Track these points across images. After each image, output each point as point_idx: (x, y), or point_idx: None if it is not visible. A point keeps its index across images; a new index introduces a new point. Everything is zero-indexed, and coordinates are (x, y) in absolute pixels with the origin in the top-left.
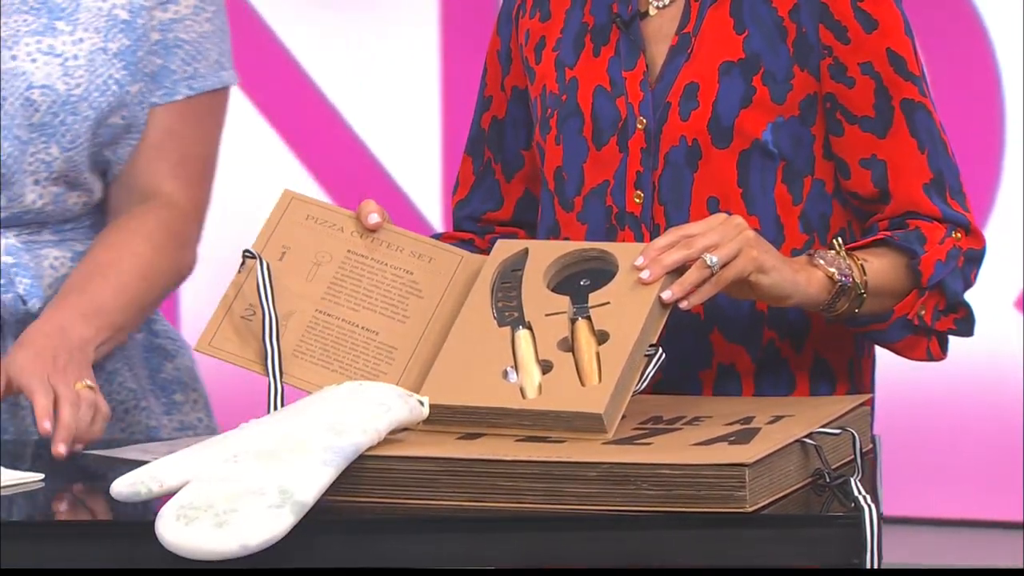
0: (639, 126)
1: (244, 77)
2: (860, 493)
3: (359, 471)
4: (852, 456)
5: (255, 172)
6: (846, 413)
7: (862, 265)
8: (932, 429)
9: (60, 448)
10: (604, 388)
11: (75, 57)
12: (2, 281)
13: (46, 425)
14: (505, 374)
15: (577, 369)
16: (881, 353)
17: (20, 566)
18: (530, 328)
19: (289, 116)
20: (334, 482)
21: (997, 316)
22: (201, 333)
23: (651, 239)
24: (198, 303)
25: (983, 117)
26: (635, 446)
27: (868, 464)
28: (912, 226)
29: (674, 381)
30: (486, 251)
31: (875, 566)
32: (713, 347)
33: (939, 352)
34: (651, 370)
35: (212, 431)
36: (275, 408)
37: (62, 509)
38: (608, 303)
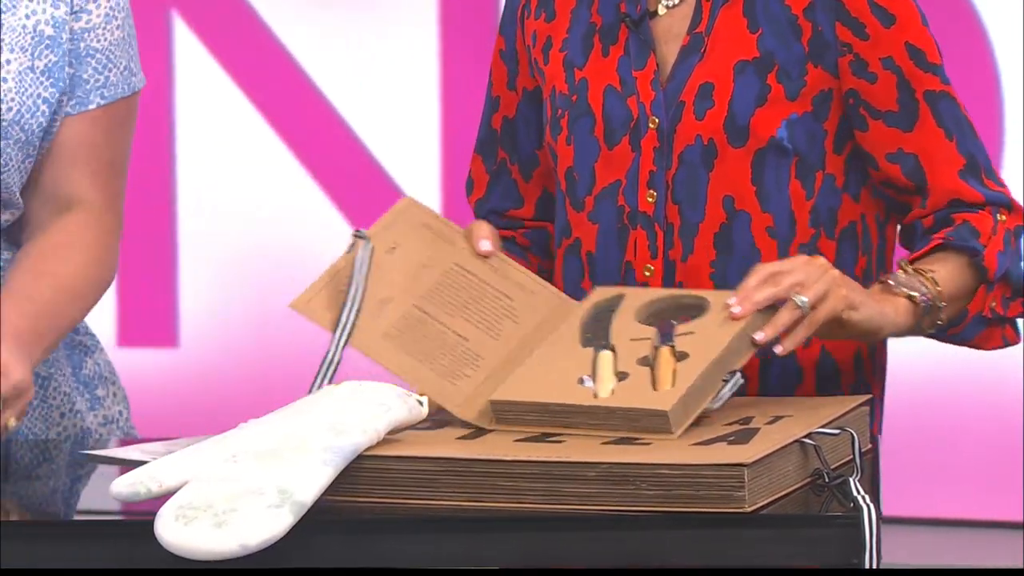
0: (651, 125)
1: (243, 77)
2: (859, 493)
3: (358, 471)
4: (851, 456)
5: (254, 172)
6: (845, 413)
7: (932, 278)
8: (932, 429)
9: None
10: (674, 392)
11: (3, 80)
12: None
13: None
14: (581, 380)
15: (652, 378)
16: None
17: (20, 566)
18: (613, 351)
19: (288, 116)
20: (333, 482)
21: None
22: (301, 293)
23: (664, 239)
24: (197, 303)
25: (983, 117)
26: (634, 446)
27: (867, 464)
28: (959, 220)
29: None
30: (528, 248)
31: (874, 566)
32: None
33: (1014, 336)
34: (727, 391)
35: (131, 424)
36: (325, 378)
37: (61, 509)
38: (693, 332)
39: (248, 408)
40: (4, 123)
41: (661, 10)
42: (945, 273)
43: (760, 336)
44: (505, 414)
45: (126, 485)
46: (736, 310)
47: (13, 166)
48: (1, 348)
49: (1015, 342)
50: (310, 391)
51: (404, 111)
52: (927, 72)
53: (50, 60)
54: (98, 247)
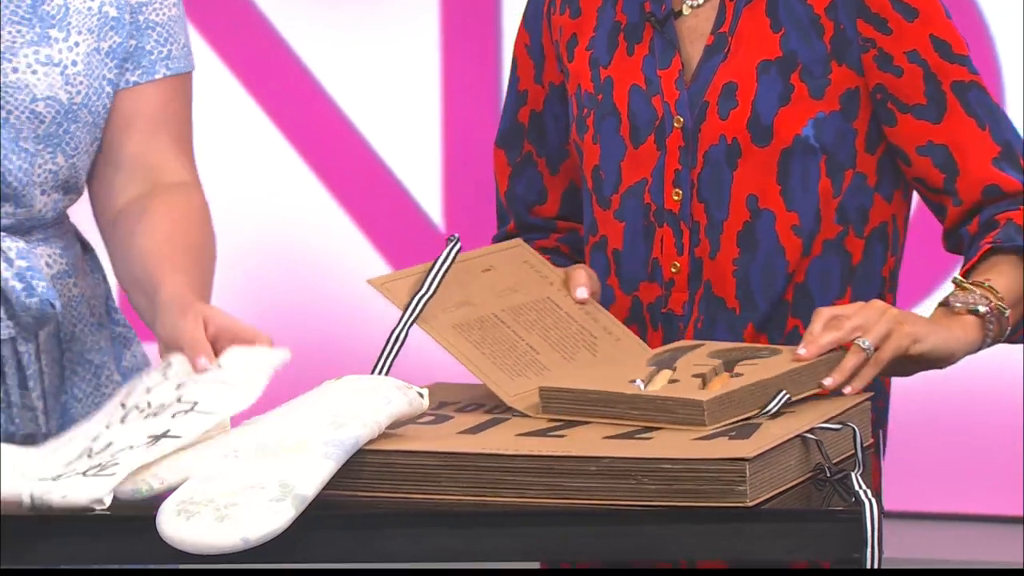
0: (676, 125)
1: (246, 73)
2: (861, 488)
3: (360, 465)
4: (853, 451)
5: (257, 170)
6: (847, 409)
7: (990, 287)
8: (935, 423)
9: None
10: (716, 390)
11: (73, 63)
12: (22, 285)
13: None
14: (633, 381)
15: (702, 385)
16: None
17: (21, 565)
18: (674, 370)
19: (291, 113)
20: (335, 476)
21: None
22: (384, 274)
23: (690, 236)
24: None
25: None
26: (636, 440)
27: (869, 459)
28: (1003, 221)
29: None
30: (570, 256)
31: (876, 560)
32: (744, 339)
33: None
34: (773, 406)
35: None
36: (389, 357)
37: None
38: (756, 364)
39: (253, 404)
40: (74, 106)
41: (686, 10)
42: (1002, 279)
43: (828, 382)
44: (550, 401)
45: (127, 483)
46: (802, 352)
47: (82, 149)
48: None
49: None
50: (374, 370)
51: (406, 109)
52: (953, 63)
53: (114, 41)
54: (206, 218)
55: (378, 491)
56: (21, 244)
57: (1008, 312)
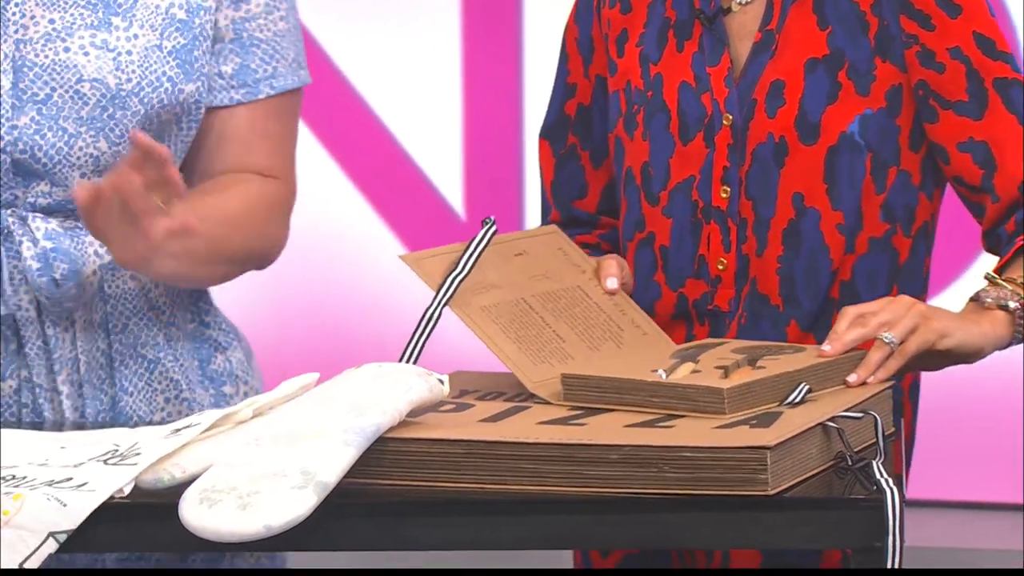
0: (725, 122)
1: None
2: (882, 476)
3: (382, 453)
4: (875, 439)
5: None
6: (869, 398)
7: (1022, 283)
8: (959, 411)
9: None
10: (736, 380)
11: (128, 53)
12: (39, 265)
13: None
14: (655, 371)
15: (724, 376)
16: None
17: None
18: (696, 362)
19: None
20: (357, 464)
21: None
22: (417, 251)
23: (737, 234)
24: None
25: None
26: (657, 429)
27: (890, 447)
28: None
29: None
30: (595, 246)
31: (897, 549)
32: (788, 337)
33: None
34: (794, 397)
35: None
36: (423, 336)
37: None
38: (778, 359)
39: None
40: (123, 92)
41: (734, 7)
42: None
43: (852, 379)
44: (571, 388)
45: (149, 472)
46: (826, 348)
47: (128, 139)
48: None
49: None
50: (405, 351)
51: (428, 98)
52: (996, 60)
53: (178, 42)
54: (258, 200)
55: (399, 479)
56: (53, 225)
57: None
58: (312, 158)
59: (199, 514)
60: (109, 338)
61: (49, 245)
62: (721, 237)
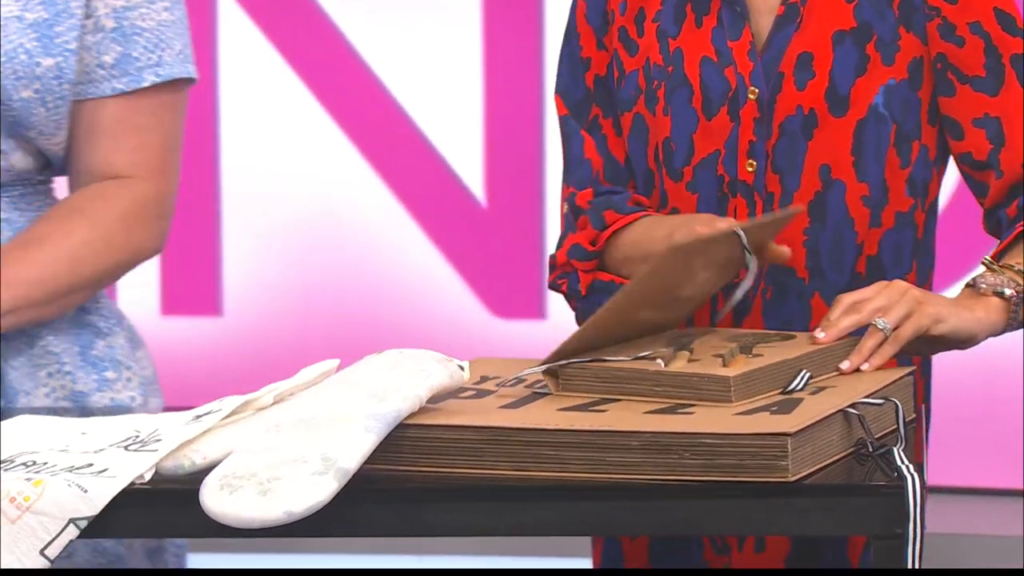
0: (751, 96)
1: (287, 47)
2: (903, 463)
3: (402, 439)
4: (895, 426)
5: (297, 141)
6: (889, 384)
7: (1019, 271)
8: (977, 397)
9: None
10: (739, 368)
11: None
12: None
13: None
14: (652, 359)
15: (723, 364)
16: None
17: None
18: (691, 351)
19: (331, 86)
20: (377, 450)
21: None
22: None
23: (763, 208)
24: (241, 272)
25: None
26: (677, 415)
27: (912, 434)
28: None
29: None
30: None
31: (918, 536)
32: (812, 310)
33: None
34: (796, 384)
35: (149, 411)
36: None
37: None
38: (773, 347)
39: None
40: None
41: None
42: None
43: (845, 365)
44: (571, 379)
45: (170, 459)
46: (820, 336)
47: None
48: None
49: None
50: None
51: (448, 83)
52: (1015, 36)
53: (41, 16)
54: (111, 216)
55: (419, 465)
56: None
57: None
58: (334, 147)
59: (220, 500)
60: None
61: None
62: (747, 211)
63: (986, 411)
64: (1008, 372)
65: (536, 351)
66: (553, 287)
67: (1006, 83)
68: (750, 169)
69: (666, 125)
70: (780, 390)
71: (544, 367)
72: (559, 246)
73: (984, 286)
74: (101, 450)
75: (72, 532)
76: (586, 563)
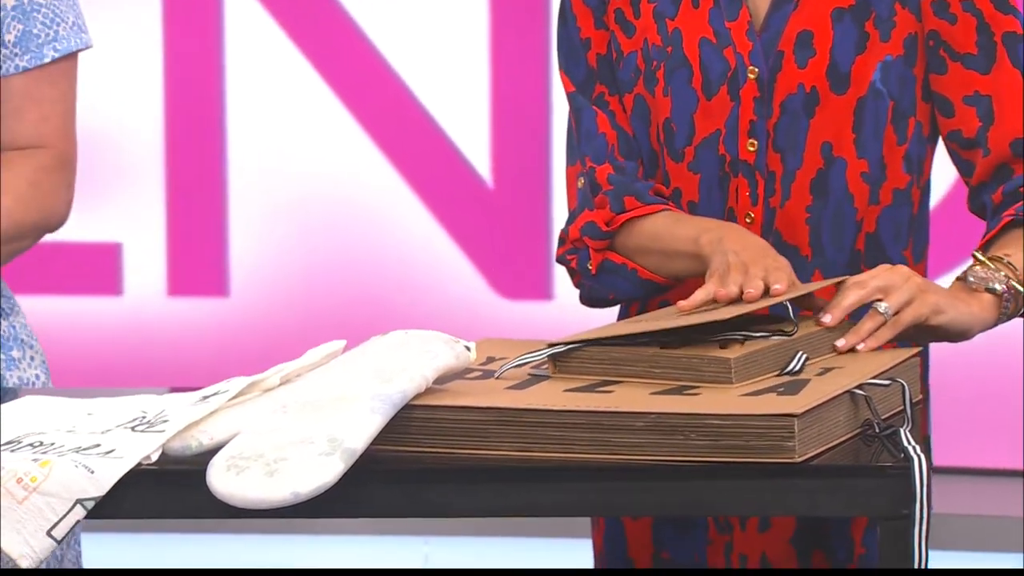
0: (751, 75)
1: (293, 27)
2: (909, 443)
3: (408, 420)
4: (902, 407)
5: (303, 122)
6: (896, 365)
7: (1009, 263)
8: (977, 378)
9: None
10: (739, 350)
11: None
12: None
13: None
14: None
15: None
16: None
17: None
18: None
19: (338, 66)
20: (384, 431)
21: None
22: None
23: (765, 187)
24: (248, 252)
25: None
26: (683, 396)
27: (918, 415)
28: None
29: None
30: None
31: (925, 516)
32: None
33: None
34: (793, 365)
35: (49, 387)
36: None
37: None
38: (770, 327)
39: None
40: None
41: None
42: (1021, 255)
43: (841, 343)
44: (569, 361)
45: (177, 440)
46: (827, 319)
47: None
48: None
49: None
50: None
51: (455, 63)
52: (1007, 14)
53: None
54: (25, 187)
55: (425, 446)
56: None
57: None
58: (341, 129)
59: (227, 481)
60: None
61: None
62: (749, 190)
63: (984, 391)
64: (1005, 352)
65: (543, 332)
66: (561, 261)
67: (997, 61)
68: (751, 149)
69: (666, 106)
70: (778, 371)
71: (542, 354)
72: (571, 221)
73: (974, 281)
74: (108, 431)
75: (79, 513)
76: (586, 543)
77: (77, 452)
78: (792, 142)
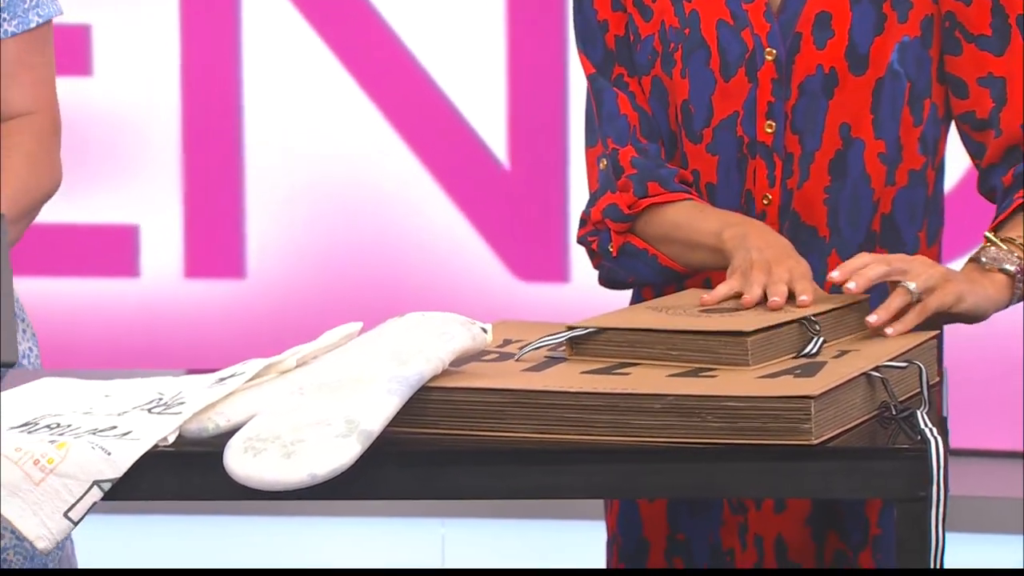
0: (768, 57)
1: (310, 10)
2: (926, 426)
3: (425, 402)
4: (919, 389)
5: (320, 104)
6: (913, 347)
7: (1021, 244)
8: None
9: None
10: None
11: None
12: None
13: None
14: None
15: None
16: None
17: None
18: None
19: (355, 48)
20: (401, 413)
21: None
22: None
23: (783, 168)
24: (264, 235)
25: None
26: (700, 378)
27: (935, 397)
28: None
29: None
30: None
31: (941, 499)
32: (830, 269)
33: None
34: (810, 348)
35: (39, 361)
36: None
37: None
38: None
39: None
40: None
41: None
42: None
43: (873, 319)
44: (585, 343)
45: (193, 421)
46: (851, 285)
47: None
48: None
49: None
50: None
51: (471, 45)
52: None
53: None
54: (40, 150)
55: (442, 428)
56: None
57: None
58: (357, 110)
59: (244, 463)
60: None
61: None
62: (767, 172)
63: (985, 373)
64: (1007, 334)
65: (559, 314)
66: (582, 242)
67: (1012, 43)
68: (769, 130)
69: (684, 88)
70: (795, 354)
71: (562, 337)
72: (593, 203)
73: (987, 261)
74: (125, 412)
75: (96, 494)
76: (599, 525)
77: (94, 434)
78: (811, 123)
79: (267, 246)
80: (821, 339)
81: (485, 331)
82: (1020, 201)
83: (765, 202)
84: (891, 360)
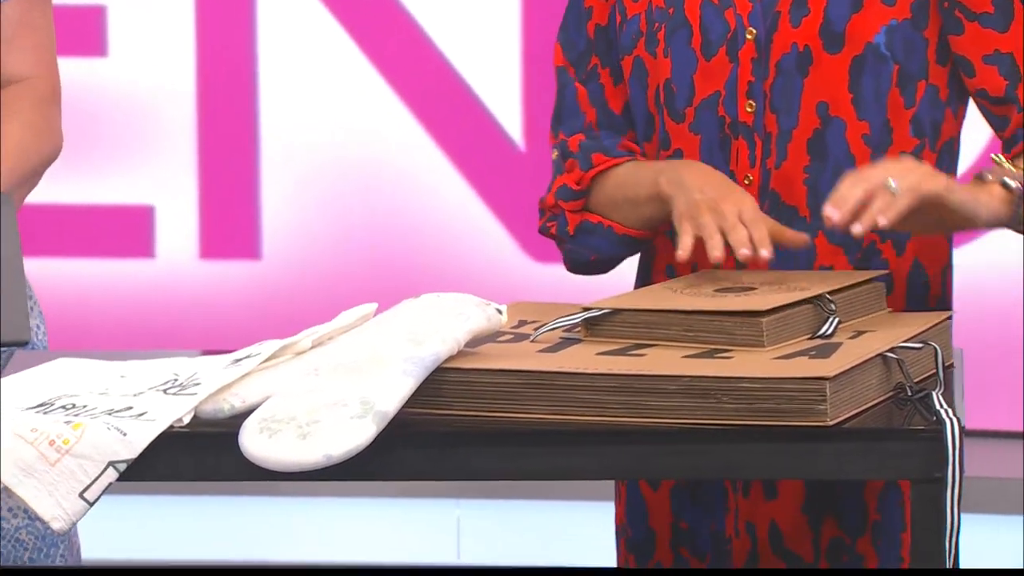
0: (749, 36)
1: None
2: (942, 406)
3: (441, 383)
4: (934, 370)
5: (336, 85)
6: (928, 328)
7: None
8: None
9: None
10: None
11: None
12: None
13: None
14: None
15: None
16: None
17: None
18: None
19: (370, 30)
20: (416, 394)
21: None
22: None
23: (762, 148)
24: (280, 215)
25: None
26: (716, 360)
27: (951, 378)
28: None
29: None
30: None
31: (957, 480)
32: (816, 249)
33: None
34: (825, 329)
35: (46, 339)
36: None
37: None
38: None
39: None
40: None
41: None
42: None
43: (857, 229)
44: (601, 324)
45: (209, 402)
46: (835, 216)
47: None
48: None
49: None
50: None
51: (486, 27)
52: None
53: None
54: (39, 117)
55: (457, 409)
56: None
57: None
58: (372, 91)
59: (259, 444)
60: None
61: None
62: (748, 152)
63: (986, 353)
64: (1007, 313)
65: (573, 295)
66: (543, 231)
67: (1016, 18)
68: (749, 110)
69: (666, 67)
70: (811, 335)
71: (578, 318)
72: (548, 190)
73: (990, 176)
74: (140, 393)
75: (111, 475)
76: (610, 507)
77: (109, 414)
78: (787, 102)
79: (282, 227)
80: (836, 319)
81: (500, 312)
82: None
83: (747, 182)
84: (906, 341)
